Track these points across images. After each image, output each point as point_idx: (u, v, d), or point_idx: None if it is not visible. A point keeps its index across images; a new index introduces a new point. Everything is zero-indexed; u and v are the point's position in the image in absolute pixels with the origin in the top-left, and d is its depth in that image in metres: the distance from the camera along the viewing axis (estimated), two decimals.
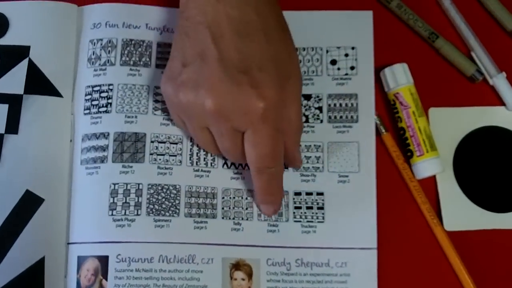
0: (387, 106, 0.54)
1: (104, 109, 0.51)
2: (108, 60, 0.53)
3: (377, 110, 0.52)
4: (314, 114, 0.53)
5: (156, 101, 0.52)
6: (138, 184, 0.50)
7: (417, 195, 0.51)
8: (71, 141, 0.52)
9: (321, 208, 0.51)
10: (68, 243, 0.50)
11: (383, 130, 0.52)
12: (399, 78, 0.52)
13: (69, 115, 0.52)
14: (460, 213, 0.51)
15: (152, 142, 0.51)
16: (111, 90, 0.52)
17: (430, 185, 0.52)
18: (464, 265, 0.50)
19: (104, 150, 0.50)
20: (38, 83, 0.52)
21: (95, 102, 0.52)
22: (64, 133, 0.52)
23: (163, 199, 0.50)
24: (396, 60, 0.52)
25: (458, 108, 0.54)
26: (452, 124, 0.53)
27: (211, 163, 0.51)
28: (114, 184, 0.50)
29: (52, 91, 0.52)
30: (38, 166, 0.50)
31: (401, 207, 0.52)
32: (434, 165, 0.51)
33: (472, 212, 0.51)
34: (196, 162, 0.51)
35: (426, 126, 0.52)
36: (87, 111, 0.52)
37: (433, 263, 0.51)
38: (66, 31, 0.54)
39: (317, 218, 0.51)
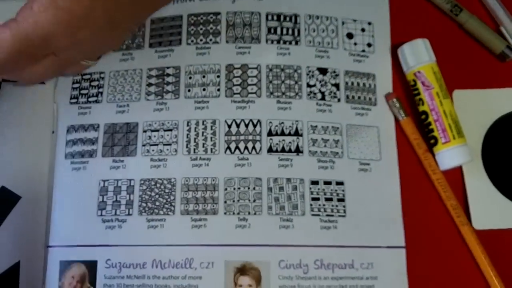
0: (405, 88, 0.50)
1: (95, 98, 0.50)
2: None
3: (395, 93, 0.50)
4: (331, 92, 0.49)
5: (149, 84, 0.50)
6: (130, 180, 0.47)
7: (441, 189, 0.48)
8: (53, 132, 0.49)
9: (342, 200, 0.47)
10: (48, 246, 0.47)
11: (403, 115, 0.49)
12: (420, 55, 0.49)
13: (51, 103, 0.50)
14: (491, 209, 0.48)
15: (144, 131, 0.49)
16: (103, 78, 0.50)
17: (456, 177, 0.49)
18: (494, 269, 0.46)
19: (93, 143, 0.48)
20: None
21: (84, 91, 0.50)
22: (45, 124, 0.49)
23: (157, 196, 0.47)
24: (415, 37, 0.49)
25: (486, 90, 0.50)
26: (480, 108, 0.50)
27: (211, 149, 0.48)
28: (104, 181, 0.47)
29: None
30: (15, 160, 0.48)
31: (425, 202, 0.48)
32: (462, 153, 0.47)
33: (504, 208, 0.48)
34: (194, 150, 0.48)
35: (452, 109, 0.48)
36: (74, 100, 0.50)
37: (462, 266, 0.47)
38: None
39: (338, 211, 0.47)
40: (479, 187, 0.48)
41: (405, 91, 0.50)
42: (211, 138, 0.48)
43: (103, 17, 0.41)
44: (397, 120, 0.49)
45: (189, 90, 0.48)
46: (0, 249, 0.45)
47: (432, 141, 0.48)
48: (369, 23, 0.51)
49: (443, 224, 0.48)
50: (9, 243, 0.46)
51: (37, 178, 0.48)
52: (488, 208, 0.48)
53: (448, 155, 0.47)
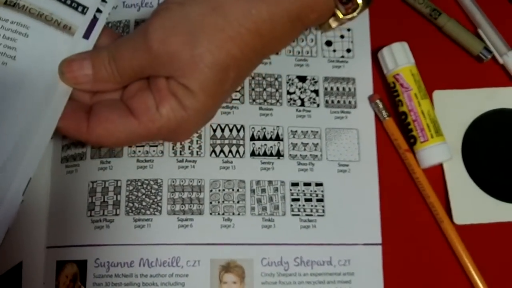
0: (387, 90, 0.51)
1: None
2: None
3: (378, 94, 0.50)
4: (310, 98, 0.50)
5: None
6: (117, 180, 0.47)
7: (420, 188, 0.49)
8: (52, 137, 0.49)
9: (321, 200, 0.48)
10: (47, 247, 0.47)
11: (385, 116, 0.50)
12: (399, 58, 0.49)
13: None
14: (471, 204, 0.49)
15: None
16: None
17: (437, 174, 0.49)
18: (474, 263, 0.47)
19: (83, 146, 0.48)
20: None
21: None
22: None
23: (143, 196, 0.47)
24: (396, 40, 0.50)
25: (465, 90, 0.51)
26: (459, 107, 0.51)
27: (197, 152, 0.48)
28: (93, 182, 0.47)
29: None
30: None
31: (406, 200, 0.49)
32: (440, 151, 0.48)
33: (484, 203, 0.49)
34: (180, 152, 0.48)
35: (430, 109, 0.49)
36: None
37: (443, 261, 0.48)
38: None
39: (317, 211, 0.48)
40: (460, 183, 0.49)
41: (387, 93, 0.51)
42: (197, 141, 0.48)
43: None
44: (378, 121, 0.50)
45: None
46: (4, 249, 0.45)
47: (412, 140, 0.48)
48: (348, 29, 0.51)
49: (423, 221, 0.48)
50: (12, 244, 0.46)
51: (39, 182, 0.48)
52: (468, 204, 0.48)
53: (427, 154, 0.48)
